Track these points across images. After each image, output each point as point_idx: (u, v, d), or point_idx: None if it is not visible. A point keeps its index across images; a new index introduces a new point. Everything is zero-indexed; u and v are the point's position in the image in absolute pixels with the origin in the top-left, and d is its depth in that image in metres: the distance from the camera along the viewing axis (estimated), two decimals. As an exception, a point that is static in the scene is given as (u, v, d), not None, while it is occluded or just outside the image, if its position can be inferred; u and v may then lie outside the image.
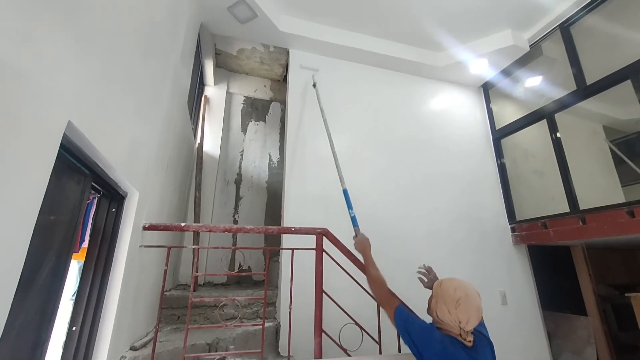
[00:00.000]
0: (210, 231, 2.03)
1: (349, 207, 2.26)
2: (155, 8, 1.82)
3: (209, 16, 3.27)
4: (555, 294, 4.29)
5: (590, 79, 3.31)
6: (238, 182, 4.07)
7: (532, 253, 3.96)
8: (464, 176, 3.96)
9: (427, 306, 1.48)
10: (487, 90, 4.54)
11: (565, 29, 3.55)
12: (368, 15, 3.52)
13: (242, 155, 4.21)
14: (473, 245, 3.61)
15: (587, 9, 3.38)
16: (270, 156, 4.33)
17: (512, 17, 3.55)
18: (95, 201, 1.76)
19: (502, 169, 4.22)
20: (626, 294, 4.06)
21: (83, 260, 1.61)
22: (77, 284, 1.61)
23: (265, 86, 4.64)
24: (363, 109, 3.80)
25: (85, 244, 1.71)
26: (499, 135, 4.28)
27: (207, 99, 4.14)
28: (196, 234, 3.39)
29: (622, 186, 4.50)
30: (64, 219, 1.25)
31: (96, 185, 1.53)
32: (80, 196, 1.35)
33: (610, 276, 5.40)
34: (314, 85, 3.41)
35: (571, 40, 3.52)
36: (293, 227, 2.18)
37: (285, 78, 4.40)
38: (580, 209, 3.28)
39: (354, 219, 2.17)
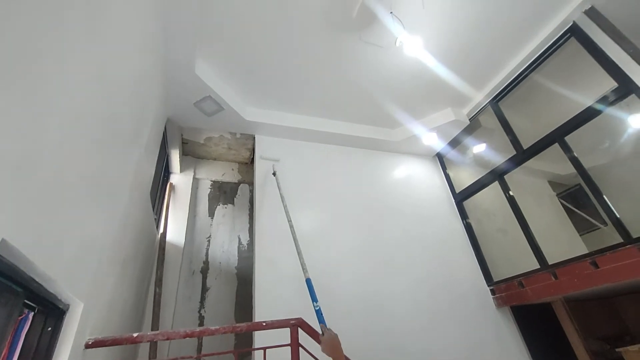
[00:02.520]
0: (167, 339, 1.77)
1: (313, 299, 2.01)
2: (119, 105, 1.87)
3: (176, 111, 3.44)
4: (549, 354, 4.07)
5: (526, 143, 3.73)
6: (205, 271, 3.79)
7: (516, 314, 3.84)
8: (435, 241, 4.01)
9: None
10: (441, 158, 4.94)
11: (495, 104, 4.12)
12: (327, 102, 3.90)
13: (209, 241, 4.01)
14: (456, 315, 3.46)
15: (500, 96, 4.00)
16: (239, 239, 4.16)
17: (451, 98, 4.09)
18: (30, 317, 1.51)
19: (469, 230, 4.34)
20: (617, 349, 3.94)
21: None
22: None
23: (233, 169, 4.71)
24: (330, 185, 3.92)
25: (11, 375, 1.40)
26: (460, 198, 4.51)
27: (172, 187, 4.08)
28: (153, 344, 2.93)
29: (580, 235, 4.77)
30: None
31: (30, 302, 1.33)
32: (6, 318, 1.15)
33: (596, 328, 5.30)
34: (274, 174, 3.52)
35: (501, 113, 4.05)
36: (264, 322, 1.98)
37: (252, 160, 4.54)
38: (549, 263, 3.35)
39: (319, 313, 1.89)
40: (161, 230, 3.67)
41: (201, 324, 3.44)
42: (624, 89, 2.86)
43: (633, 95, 2.81)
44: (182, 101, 3.30)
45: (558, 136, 3.37)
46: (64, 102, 1.19)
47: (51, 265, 1.24)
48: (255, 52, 3.14)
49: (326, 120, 4.14)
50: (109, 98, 1.66)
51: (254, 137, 3.98)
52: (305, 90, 3.68)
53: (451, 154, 4.85)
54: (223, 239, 4.08)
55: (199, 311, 3.51)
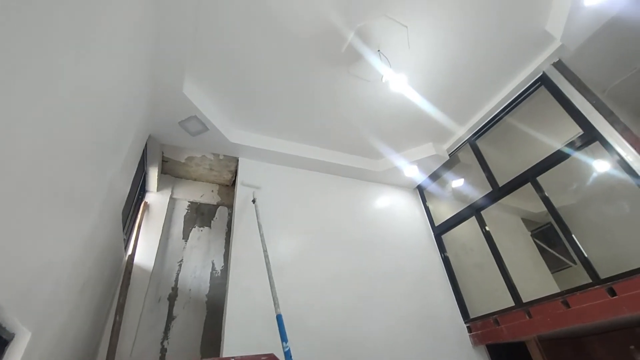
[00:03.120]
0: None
1: (283, 338, 1.88)
2: (101, 119, 1.80)
3: (159, 128, 3.37)
4: (524, 396, 3.99)
5: (501, 181, 3.88)
6: (172, 297, 3.55)
7: (492, 353, 3.80)
8: (414, 274, 3.99)
9: None
10: (422, 191, 5.04)
11: (472, 143, 4.31)
12: (313, 129, 3.95)
13: (180, 265, 3.80)
14: (435, 354, 3.37)
15: (478, 134, 4.22)
16: (213, 264, 3.97)
17: (432, 133, 4.26)
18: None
19: (447, 264, 4.36)
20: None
21: None
22: None
23: (212, 191, 4.60)
24: (312, 213, 3.88)
25: None
26: (439, 231, 4.57)
27: (146, 206, 3.91)
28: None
29: (552, 273, 4.89)
30: None
31: (-33, 333, 1.17)
32: None
33: (570, 370, 5.31)
34: (254, 202, 3.45)
35: (479, 151, 4.24)
36: (233, 357, 1.84)
37: (234, 183, 4.45)
38: (524, 301, 3.38)
39: (288, 355, 1.76)
40: (129, 252, 3.45)
41: (163, 357, 3.16)
42: (589, 136, 3.08)
43: (597, 142, 3.02)
44: (166, 119, 3.24)
45: (531, 176, 3.53)
46: (40, 110, 1.13)
47: (1, 292, 1.12)
48: (245, 75, 3.18)
49: (311, 147, 4.17)
50: (91, 111, 1.60)
51: (238, 160, 3.94)
52: (293, 117, 3.73)
53: (431, 187, 4.97)
54: (196, 264, 3.88)
55: (162, 342, 3.23)
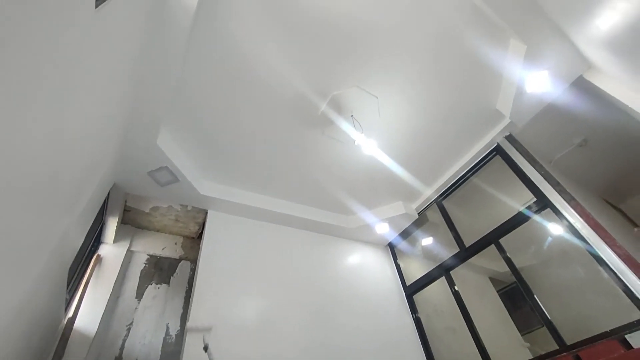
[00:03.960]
0: None
1: None
2: (63, 165, 1.68)
3: (125, 177, 3.22)
4: None
5: (467, 241, 4.02)
6: (115, 370, 3.06)
7: None
8: (385, 336, 3.82)
9: None
10: (393, 248, 5.06)
11: (439, 203, 4.53)
12: (286, 185, 3.98)
13: (129, 329, 3.36)
14: None
15: (444, 195, 4.47)
16: (168, 328, 3.56)
17: (402, 192, 4.43)
18: None
19: (418, 325, 4.24)
20: None
21: None
22: None
23: (176, 243, 4.32)
24: (281, 268, 3.73)
25: None
26: (410, 291, 4.51)
27: (98, 259, 3.55)
28: None
29: (522, 334, 4.88)
30: None
31: None
32: None
33: None
34: (205, 349, 2.40)
35: (445, 211, 4.43)
36: None
37: (200, 235, 4.24)
38: (497, 370, 3.29)
39: None
40: (70, 314, 3.02)
41: None
42: (541, 203, 3.35)
43: (548, 209, 3.29)
44: (135, 168, 3.13)
45: (494, 238, 3.70)
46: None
47: None
48: (221, 128, 3.23)
49: (283, 201, 4.16)
50: (56, 157, 1.50)
51: (207, 212, 3.80)
52: (266, 171, 3.76)
53: (402, 244, 5.02)
54: (147, 327, 3.45)
55: None
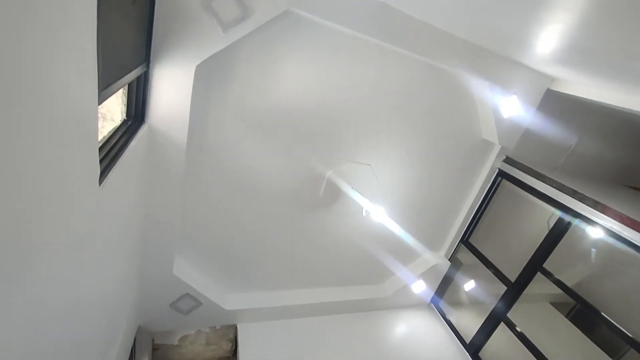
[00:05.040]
0: None
1: None
2: (85, 330, 1.63)
3: (149, 317, 3.15)
4: None
5: (511, 274, 3.73)
6: None
7: None
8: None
9: None
10: (437, 304, 4.68)
11: (466, 242, 4.34)
12: (309, 272, 3.86)
13: None
14: None
15: (468, 233, 4.31)
16: None
17: (424, 245, 4.26)
18: None
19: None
20: None
21: None
22: None
23: (211, 369, 4.00)
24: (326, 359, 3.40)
25: None
26: (474, 349, 4.02)
27: (136, 416, 3.24)
28: None
29: (615, 360, 4.21)
30: None
31: None
32: None
33: None
34: None
35: (475, 249, 4.22)
36: None
37: (235, 352, 3.96)
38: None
39: None
40: None
41: None
42: (568, 216, 3.21)
43: (578, 219, 3.13)
44: (156, 305, 3.08)
45: (537, 265, 3.45)
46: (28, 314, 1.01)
47: None
48: (233, 238, 3.25)
49: (310, 290, 3.98)
50: (74, 322, 1.47)
51: (236, 327, 3.61)
52: (284, 265, 3.68)
53: (445, 298, 4.67)
54: None
55: None
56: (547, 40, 2.01)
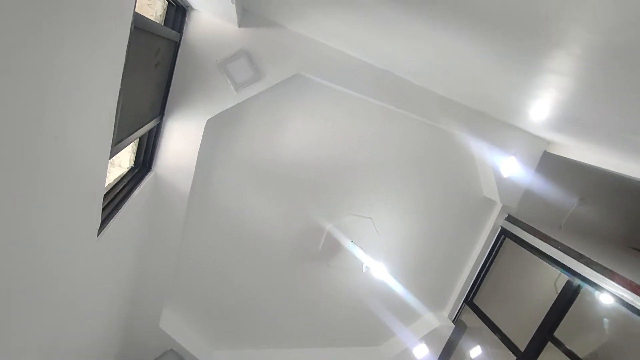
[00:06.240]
0: None
1: None
2: None
3: (128, 374, 2.89)
4: None
5: (520, 341, 3.49)
6: None
7: None
8: None
9: None
10: (441, 371, 4.32)
11: (470, 302, 4.13)
12: (300, 330, 3.63)
13: None
14: None
15: (472, 293, 4.14)
16: None
17: (426, 304, 4.06)
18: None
19: None
20: None
21: None
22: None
23: None
24: None
25: None
26: None
27: None
28: None
29: None
30: None
31: None
32: None
33: None
34: None
35: (480, 310, 4.01)
36: None
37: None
38: None
39: None
40: None
41: None
42: (575, 280, 3.09)
43: (587, 285, 3.02)
44: (139, 358, 2.85)
45: (547, 334, 3.24)
46: None
47: None
48: (223, 291, 3.12)
49: (304, 350, 3.71)
50: None
51: (224, 389, 3.30)
52: (277, 322, 3.48)
53: (450, 364, 4.32)
54: None
55: None
56: (539, 110, 2.12)
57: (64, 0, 0.72)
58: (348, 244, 3.24)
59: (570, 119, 2.04)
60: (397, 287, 3.69)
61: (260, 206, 2.91)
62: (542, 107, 1.97)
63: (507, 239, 3.88)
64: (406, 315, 4.00)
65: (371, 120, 2.97)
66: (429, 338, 4.02)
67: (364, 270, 3.13)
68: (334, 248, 3.26)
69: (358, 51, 2.29)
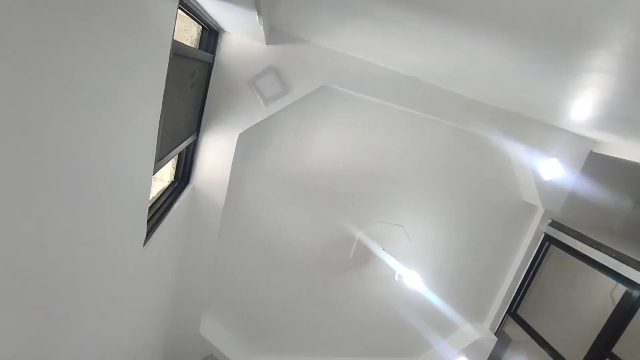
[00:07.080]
0: None
1: None
2: None
3: (170, 378, 3.04)
4: None
5: (572, 357, 3.21)
6: None
7: None
8: None
9: None
10: (484, 387, 4.07)
11: (514, 313, 3.88)
12: (333, 339, 3.61)
13: None
14: None
15: (516, 304, 3.88)
16: None
17: (465, 315, 3.87)
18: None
19: None
20: None
21: None
22: None
23: None
24: None
25: None
26: None
27: None
28: None
29: None
30: None
31: None
32: None
33: None
34: None
35: (525, 323, 3.75)
36: None
37: None
38: None
39: None
40: None
41: None
42: (634, 292, 2.81)
43: (649, 296, 2.73)
44: (180, 365, 2.99)
45: (604, 349, 2.96)
46: None
47: None
48: (259, 300, 3.20)
49: (337, 359, 3.68)
50: None
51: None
52: (312, 331, 3.49)
53: (493, 380, 4.06)
54: None
55: None
56: (582, 109, 1.99)
57: (116, 42, 0.83)
58: (379, 252, 3.20)
59: (617, 117, 1.90)
60: (432, 297, 3.56)
61: (290, 215, 2.97)
62: (584, 106, 1.85)
63: (552, 245, 3.62)
64: (443, 326, 3.84)
65: (399, 127, 2.95)
66: (469, 350, 3.82)
67: (396, 279, 3.06)
68: (365, 256, 3.24)
69: (383, 60, 2.30)
